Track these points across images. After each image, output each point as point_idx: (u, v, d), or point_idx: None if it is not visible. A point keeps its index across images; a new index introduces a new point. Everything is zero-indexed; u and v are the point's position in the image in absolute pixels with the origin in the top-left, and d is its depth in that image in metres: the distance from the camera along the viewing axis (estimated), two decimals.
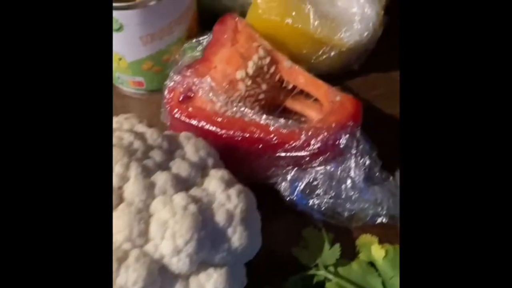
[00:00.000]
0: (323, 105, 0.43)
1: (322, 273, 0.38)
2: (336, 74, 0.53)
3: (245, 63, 0.42)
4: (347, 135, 0.38)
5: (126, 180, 0.31)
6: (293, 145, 0.38)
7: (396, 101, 0.53)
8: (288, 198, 0.40)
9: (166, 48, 0.50)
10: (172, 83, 0.42)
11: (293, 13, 0.48)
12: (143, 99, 0.54)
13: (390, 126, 0.50)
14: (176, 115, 0.41)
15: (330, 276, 0.38)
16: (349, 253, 0.41)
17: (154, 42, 0.48)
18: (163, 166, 0.33)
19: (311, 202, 0.39)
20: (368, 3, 0.48)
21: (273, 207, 0.42)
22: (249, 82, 0.42)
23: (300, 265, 0.40)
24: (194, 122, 0.40)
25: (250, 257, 0.36)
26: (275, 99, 0.45)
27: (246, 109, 0.41)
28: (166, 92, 0.42)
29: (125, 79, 0.52)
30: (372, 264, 0.39)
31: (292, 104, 0.45)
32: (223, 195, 0.33)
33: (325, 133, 0.37)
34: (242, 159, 0.41)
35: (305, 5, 0.48)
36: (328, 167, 0.38)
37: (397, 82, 0.55)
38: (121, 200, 0.30)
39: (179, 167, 0.34)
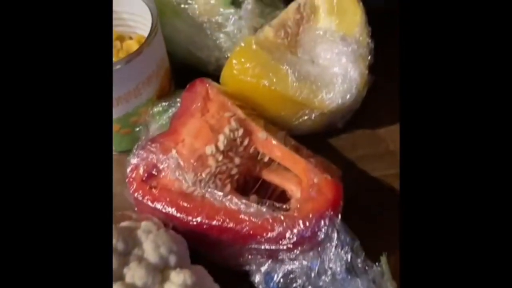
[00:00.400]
0: (302, 180, 0.39)
1: None
2: (319, 132, 0.49)
3: (216, 137, 0.39)
4: (326, 227, 0.34)
5: None
6: (267, 237, 0.34)
7: (382, 163, 0.51)
8: None
9: (134, 110, 0.46)
10: (135, 160, 0.38)
11: (270, 74, 0.44)
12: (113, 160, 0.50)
13: (375, 192, 0.47)
14: (139, 197, 0.37)
15: None
16: None
17: (120, 105, 0.45)
18: (116, 275, 0.29)
19: None
20: (351, 63, 0.44)
21: None
22: (220, 157, 0.38)
23: None
24: (158, 206, 0.37)
25: None
26: (250, 170, 0.41)
27: (216, 191, 0.37)
28: (128, 169, 0.38)
29: None
30: None
31: (269, 176, 0.41)
32: None
33: (301, 225, 0.34)
34: (212, 245, 0.37)
35: (283, 66, 0.44)
36: (306, 259, 0.35)
37: (383, 141, 0.52)
38: None
39: (134, 274, 0.30)
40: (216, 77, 0.48)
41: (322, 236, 0.34)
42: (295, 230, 0.34)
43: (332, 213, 0.34)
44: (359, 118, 0.50)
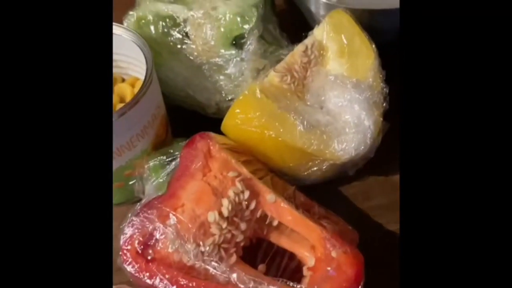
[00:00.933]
0: (316, 248, 0.35)
1: None
2: (329, 180, 0.45)
3: (219, 201, 0.35)
4: None
5: None
6: None
7: (397, 214, 0.47)
8: None
9: (128, 163, 0.42)
10: (129, 230, 0.34)
11: (277, 124, 0.40)
12: None
13: (392, 249, 0.43)
14: (134, 273, 0.33)
15: None
16: None
17: (112, 160, 0.41)
18: None
19: None
20: (364, 111, 0.41)
21: None
22: (224, 224, 0.34)
23: None
24: (156, 282, 0.33)
25: None
26: (257, 233, 0.37)
27: (221, 265, 0.33)
28: (122, 240, 0.34)
29: None
30: None
31: (278, 239, 0.37)
32: None
33: None
34: None
35: (290, 114, 0.41)
36: None
37: (398, 190, 0.48)
38: None
39: None
40: (215, 120, 0.44)
41: None
42: None
43: None
44: (371, 164, 0.46)
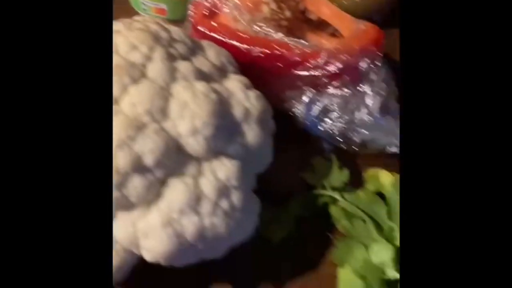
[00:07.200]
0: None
1: (328, 193, 0.38)
2: None
3: None
4: (368, 60, 0.38)
5: (150, 60, 0.31)
6: (314, 63, 0.38)
7: None
8: (302, 122, 0.40)
9: None
10: None
11: None
12: None
13: None
14: (200, 28, 0.41)
15: (337, 196, 0.38)
16: (356, 183, 0.41)
17: None
18: (186, 57, 0.33)
19: (324, 126, 0.40)
20: None
21: (283, 135, 0.42)
22: (274, 6, 0.42)
23: (307, 187, 0.40)
24: (217, 36, 0.41)
25: (261, 168, 0.36)
26: (295, 30, 0.45)
27: (269, 30, 0.41)
28: (191, 5, 0.42)
29: (148, 5, 0.52)
30: (378, 194, 0.39)
31: (313, 38, 0.45)
32: (242, 94, 0.33)
33: (347, 55, 0.38)
34: (260, 78, 0.41)
35: None
36: (345, 91, 0.39)
37: None
38: (143, 76, 0.30)
39: (201, 63, 0.34)
40: None
41: (364, 66, 0.37)
42: (340, 59, 0.38)
43: (374, 49, 0.38)
44: None
